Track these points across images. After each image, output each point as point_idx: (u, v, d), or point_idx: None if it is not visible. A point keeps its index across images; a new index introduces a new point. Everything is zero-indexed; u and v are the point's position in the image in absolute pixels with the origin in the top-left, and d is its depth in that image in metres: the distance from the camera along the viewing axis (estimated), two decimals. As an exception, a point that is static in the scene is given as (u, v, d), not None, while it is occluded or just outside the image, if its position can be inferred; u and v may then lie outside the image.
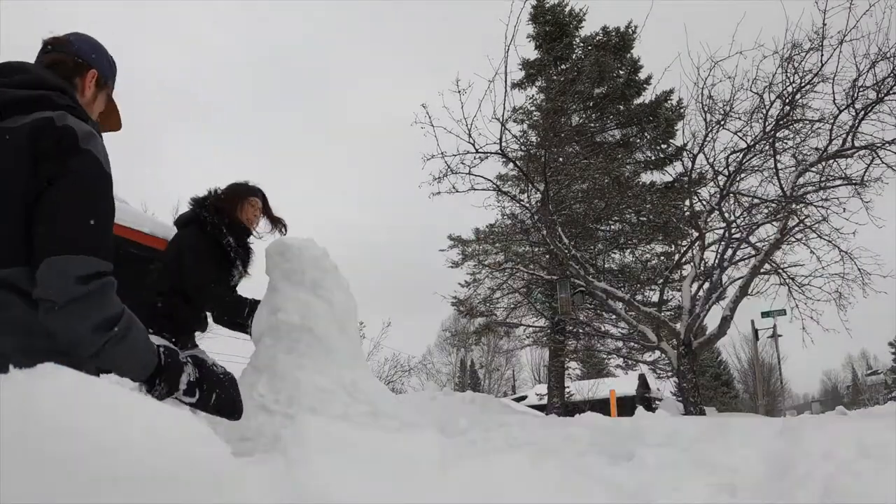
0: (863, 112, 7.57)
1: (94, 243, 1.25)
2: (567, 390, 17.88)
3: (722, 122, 8.59)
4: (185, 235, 2.98)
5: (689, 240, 10.90)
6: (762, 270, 8.56)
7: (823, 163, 8.11)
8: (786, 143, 8.49)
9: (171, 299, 2.79)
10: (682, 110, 11.62)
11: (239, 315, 2.83)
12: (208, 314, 2.98)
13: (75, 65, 1.52)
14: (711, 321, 9.37)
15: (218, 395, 1.47)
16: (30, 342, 1.20)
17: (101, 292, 1.24)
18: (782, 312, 12.60)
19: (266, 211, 3.17)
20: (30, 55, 1.54)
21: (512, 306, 15.79)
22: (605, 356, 19.53)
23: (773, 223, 8.55)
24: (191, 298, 2.81)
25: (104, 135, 1.50)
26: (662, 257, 14.63)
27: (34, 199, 1.26)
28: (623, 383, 28.38)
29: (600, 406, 16.36)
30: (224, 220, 2.97)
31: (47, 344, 1.18)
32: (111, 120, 1.68)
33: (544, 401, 19.03)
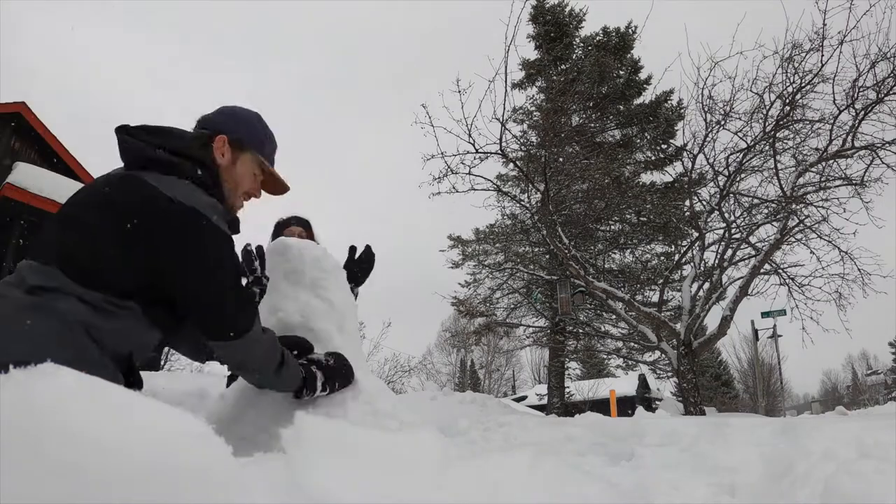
0: (863, 112, 7.57)
1: None
2: (567, 390, 17.89)
3: (722, 123, 8.60)
4: None
5: (689, 240, 10.92)
6: (762, 270, 8.57)
7: (823, 163, 8.11)
8: (786, 144, 8.49)
9: None
10: (682, 110, 11.64)
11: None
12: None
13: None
14: (711, 321, 9.38)
15: (339, 384, 1.92)
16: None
17: None
18: (782, 312, 12.62)
19: (310, 235, 3.27)
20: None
21: (512, 306, 15.81)
22: (605, 356, 19.56)
23: (773, 223, 8.56)
24: None
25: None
26: (662, 257, 14.65)
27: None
28: (623, 383, 28.44)
29: (600, 406, 16.38)
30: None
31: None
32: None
33: (544, 401, 19.04)
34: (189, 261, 1.44)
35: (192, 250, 1.44)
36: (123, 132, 1.56)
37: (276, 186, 1.86)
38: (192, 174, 1.53)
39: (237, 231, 1.79)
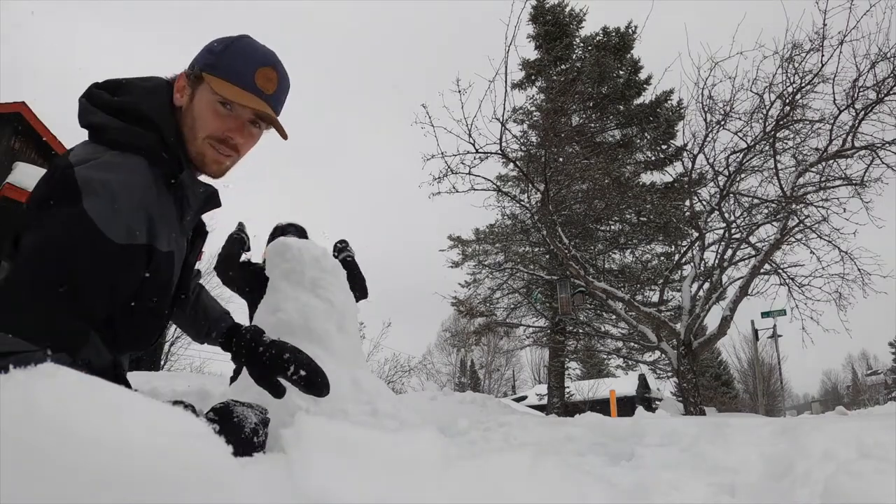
0: (863, 112, 7.57)
1: None
2: (567, 390, 17.88)
3: (722, 123, 8.60)
4: None
5: (689, 240, 10.92)
6: (762, 271, 8.57)
7: (823, 163, 8.11)
8: (786, 144, 8.50)
9: None
10: (682, 110, 11.63)
11: None
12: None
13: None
14: (711, 321, 9.39)
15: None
16: None
17: None
18: (782, 312, 12.61)
19: None
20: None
21: (512, 306, 15.81)
22: (605, 356, 19.56)
23: (773, 223, 8.56)
24: None
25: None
26: (662, 257, 14.65)
27: None
28: (623, 383, 28.45)
29: (600, 406, 16.38)
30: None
31: None
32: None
33: (544, 401, 19.03)
34: (32, 216, 1.11)
35: (38, 220, 1.10)
36: (85, 95, 1.30)
37: (271, 121, 1.34)
38: (120, 137, 1.21)
39: (216, 205, 1.46)
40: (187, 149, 1.30)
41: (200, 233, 1.53)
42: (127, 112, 1.25)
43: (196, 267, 1.59)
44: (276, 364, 1.45)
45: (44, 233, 1.09)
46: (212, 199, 1.44)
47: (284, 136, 1.37)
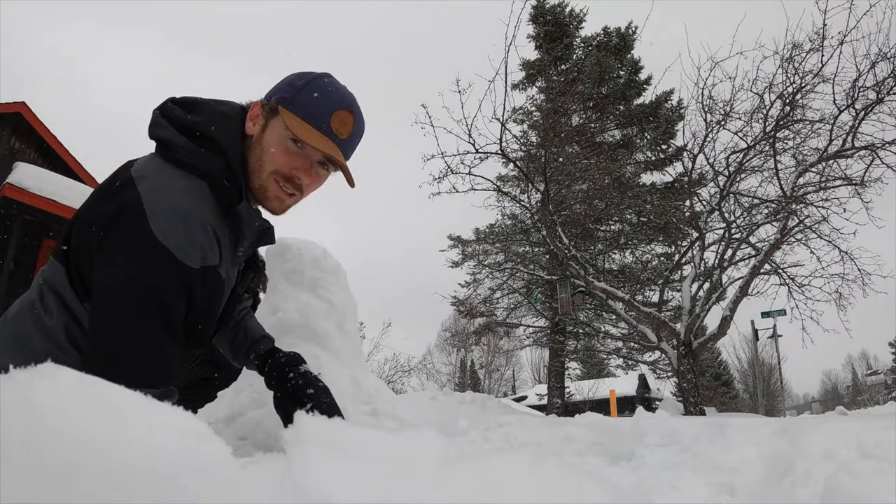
0: (863, 112, 7.57)
1: None
2: (567, 390, 17.87)
3: (722, 123, 8.60)
4: None
5: (689, 240, 10.92)
6: (762, 271, 8.57)
7: (823, 163, 8.11)
8: (786, 144, 8.50)
9: None
10: (682, 111, 11.63)
11: None
12: None
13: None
14: (711, 321, 9.38)
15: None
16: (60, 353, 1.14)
17: None
18: (782, 312, 12.62)
19: None
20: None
21: (512, 306, 15.81)
22: (605, 356, 19.56)
23: (773, 223, 8.56)
24: None
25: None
26: (662, 258, 14.65)
27: None
28: (623, 383, 28.48)
29: (600, 406, 16.38)
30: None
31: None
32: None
33: (544, 401, 19.03)
34: (100, 261, 1.08)
35: (106, 248, 1.08)
36: (159, 108, 1.27)
37: (340, 166, 1.29)
38: (187, 158, 1.18)
39: (270, 241, 1.43)
40: (251, 179, 1.26)
41: (254, 265, 1.52)
42: (197, 132, 1.22)
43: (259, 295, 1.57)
44: (297, 395, 1.42)
45: (121, 268, 1.05)
46: (266, 234, 1.42)
47: (352, 183, 1.31)
